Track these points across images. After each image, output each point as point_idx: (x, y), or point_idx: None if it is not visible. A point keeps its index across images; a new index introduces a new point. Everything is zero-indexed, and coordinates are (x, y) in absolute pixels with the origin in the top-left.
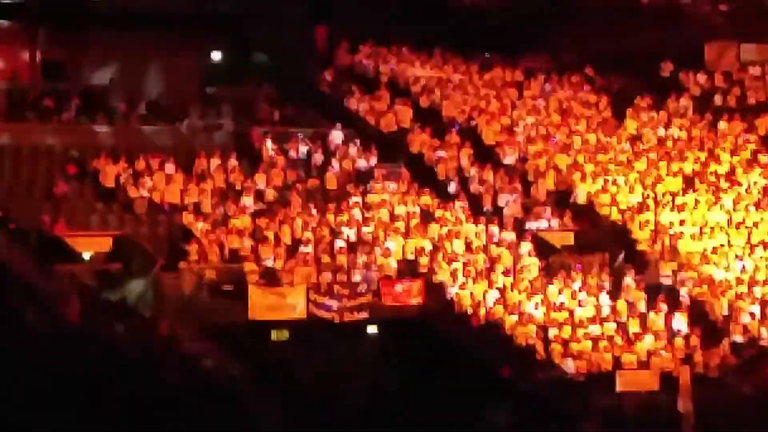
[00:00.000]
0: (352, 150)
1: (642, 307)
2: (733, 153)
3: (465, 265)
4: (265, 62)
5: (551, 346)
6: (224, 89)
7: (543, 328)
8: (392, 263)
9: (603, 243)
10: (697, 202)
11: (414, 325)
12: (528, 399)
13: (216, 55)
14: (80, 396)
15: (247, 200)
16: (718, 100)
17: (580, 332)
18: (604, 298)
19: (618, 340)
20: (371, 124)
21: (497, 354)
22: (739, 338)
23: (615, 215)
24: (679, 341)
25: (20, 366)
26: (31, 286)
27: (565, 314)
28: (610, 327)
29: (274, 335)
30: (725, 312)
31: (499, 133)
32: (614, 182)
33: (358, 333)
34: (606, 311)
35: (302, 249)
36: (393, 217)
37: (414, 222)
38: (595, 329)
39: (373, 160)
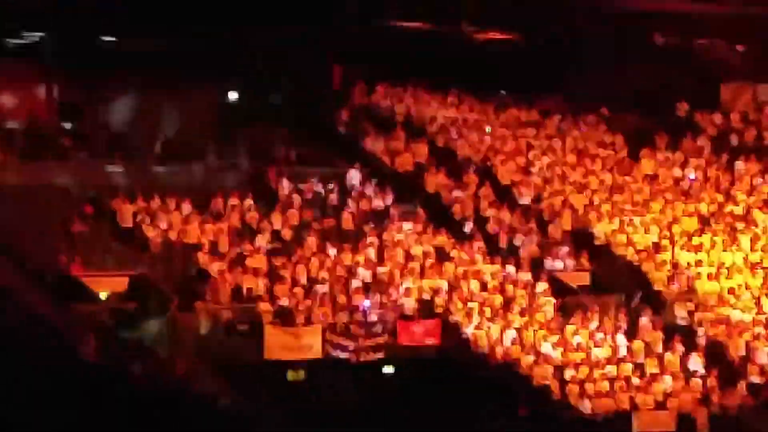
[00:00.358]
0: (368, 190)
1: (659, 347)
2: (749, 193)
3: (481, 305)
4: (281, 102)
5: (568, 387)
6: (240, 129)
7: (559, 369)
8: (408, 303)
9: (619, 283)
10: (713, 242)
11: (430, 365)
12: None
13: (232, 95)
14: None
15: (263, 240)
16: (734, 140)
17: (596, 372)
18: (621, 339)
19: (635, 380)
20: (387, 164)
21: (514, 394)
22: (756, 379)
23: (631, 255)
24: (696, 382)
25: (36, 404)
26: (48, 326)
27: (582, 354)
28: (627, 367)
29: (291, 375)
30: (742, 352)
31: (515, 173)
32: (630, 222)
33: (375, 373)
34: (623, 351)
35: (318, 289)
36: (409, 257)
37: (430, 262)
38: (611, 370)
39: (389, 200)
